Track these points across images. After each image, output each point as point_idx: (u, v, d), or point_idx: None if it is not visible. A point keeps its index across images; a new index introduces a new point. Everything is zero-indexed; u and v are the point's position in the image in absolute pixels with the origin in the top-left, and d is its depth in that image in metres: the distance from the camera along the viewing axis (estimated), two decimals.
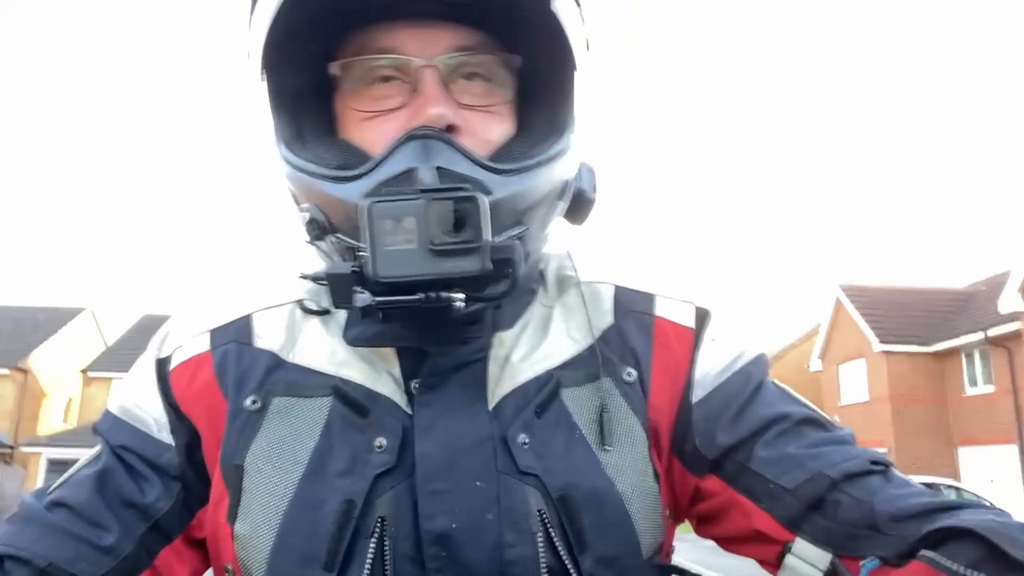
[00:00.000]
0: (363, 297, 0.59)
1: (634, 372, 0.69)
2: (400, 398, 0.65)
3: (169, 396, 0.70)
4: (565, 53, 0.66)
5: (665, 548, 0.68)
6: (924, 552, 0.53)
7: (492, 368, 0.67)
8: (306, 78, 0.69)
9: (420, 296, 0.57)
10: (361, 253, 0.58)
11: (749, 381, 0.69)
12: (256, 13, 0.64)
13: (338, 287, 0.60)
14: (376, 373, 0.67)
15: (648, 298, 0.73)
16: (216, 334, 0.72)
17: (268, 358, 0.69)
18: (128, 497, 0.66)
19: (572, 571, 0.60)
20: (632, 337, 0.71)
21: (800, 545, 0.61)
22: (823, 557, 0.60)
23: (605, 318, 0.72)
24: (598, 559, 0.61)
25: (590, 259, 0.78)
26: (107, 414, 0.72)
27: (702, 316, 0.73)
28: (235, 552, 0.64)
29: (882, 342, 19.12)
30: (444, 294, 0.57)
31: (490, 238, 0.57)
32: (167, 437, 0.69)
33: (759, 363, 0.71)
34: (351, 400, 0.65)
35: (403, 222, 0.56)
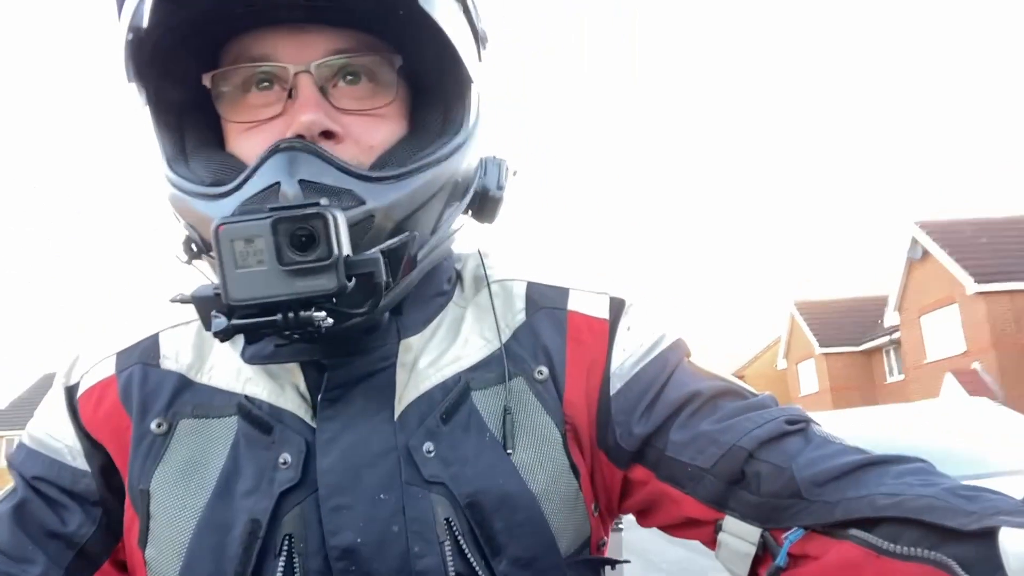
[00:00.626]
0: (218, 321, 0.57)
1: (545, 370, 0.68)
2: (305, 412, 0.65)
3: (79, 422, 0.69)
4: (448, 49, 0.64)
5: (594, 542, 0.68)
6: (856, 532, 0.52)
7: (400, 376, 0.66)
8: (188, 93, 0.67)
9: (277, 317, 0.55)
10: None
11: (665, 367, 0.68)
12: (119, 27, 0.62)
13: (202, 310, 0.59)
14: (281, 388, 0.66)
15: (562, 293, 0.73)
16: (122, 357, 0.71)
17: (175, 379, 0.69)
18: (50, 527, 0.66)
19: None
20: (544, 334, 0.70)
21: (730, 522, 0.61)
22: (754, 532, 0.59)
23: (517, 316, 0.71)
24: (514, 561, 0.61)
25: (507, 257, 0.77)
26: (20, 446, 0.71)
27: (617, 306, 0.72)
28: None
29: (821, 345, 24.51)
30: (304, 314, 0.55)
31: (345, 253, 0.55)
32: (82, 464, 0.68)
33: (677, 347, 0.70)
34: (255, 418, 0.65)
35: (254, 243, 0.55)
